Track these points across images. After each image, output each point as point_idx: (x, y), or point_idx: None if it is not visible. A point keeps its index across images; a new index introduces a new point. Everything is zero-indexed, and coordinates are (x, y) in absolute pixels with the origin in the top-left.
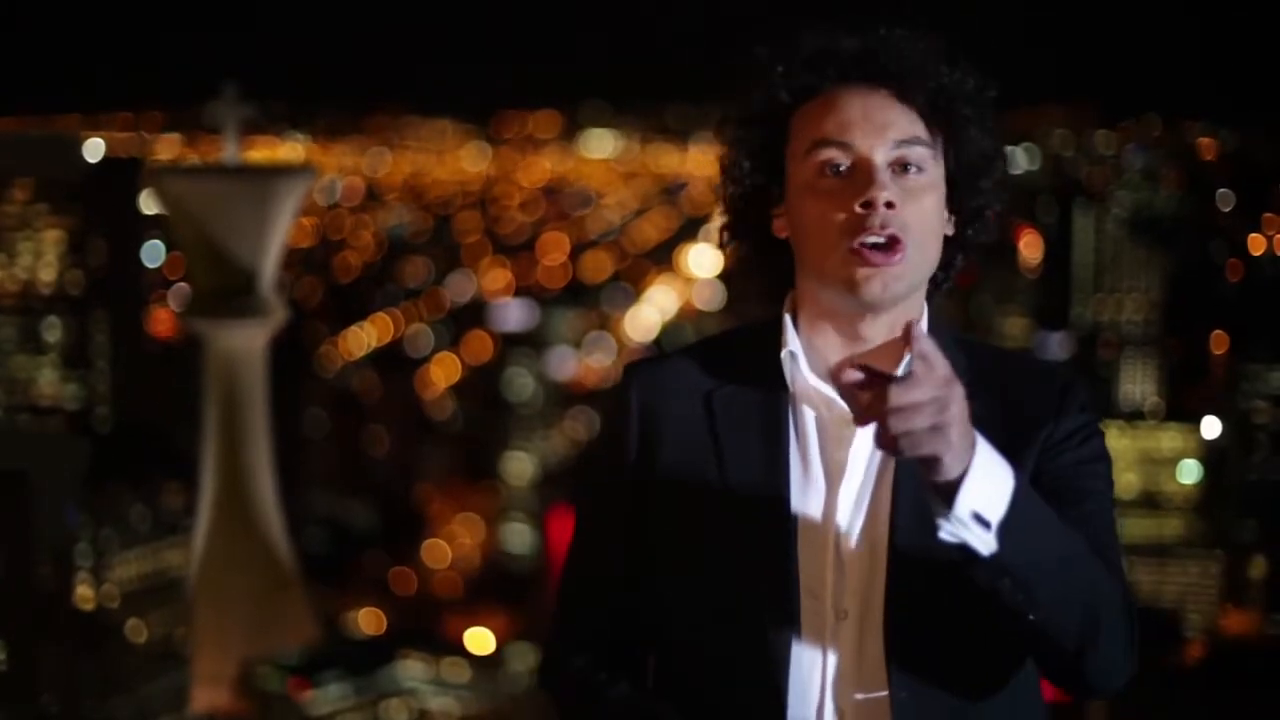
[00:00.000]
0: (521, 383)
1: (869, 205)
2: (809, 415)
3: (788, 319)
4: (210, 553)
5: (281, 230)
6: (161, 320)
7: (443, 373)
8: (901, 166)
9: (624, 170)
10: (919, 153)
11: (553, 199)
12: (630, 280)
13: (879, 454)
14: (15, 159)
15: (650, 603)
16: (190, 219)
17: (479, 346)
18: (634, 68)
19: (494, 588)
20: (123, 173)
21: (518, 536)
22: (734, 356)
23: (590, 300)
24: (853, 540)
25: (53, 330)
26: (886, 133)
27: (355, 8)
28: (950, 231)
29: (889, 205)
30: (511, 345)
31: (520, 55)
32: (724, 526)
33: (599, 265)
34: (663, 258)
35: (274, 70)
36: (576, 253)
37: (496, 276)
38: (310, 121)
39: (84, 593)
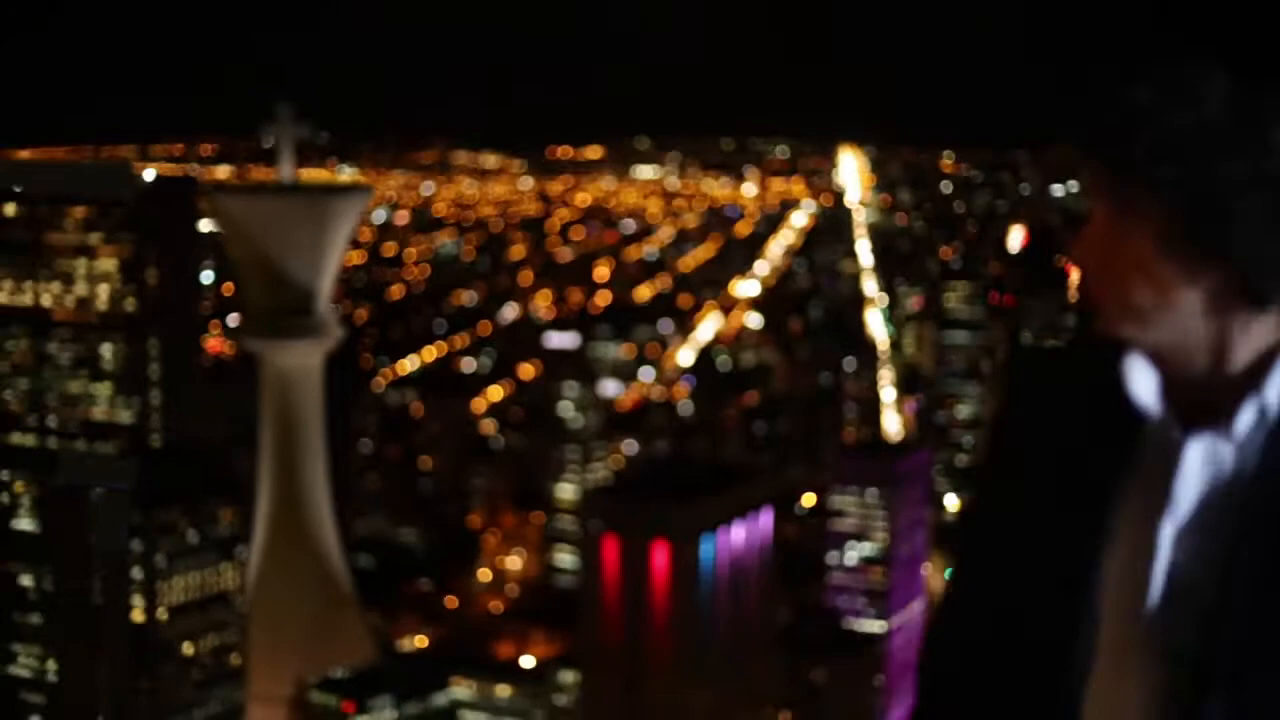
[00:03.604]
0: (570, 405)
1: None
2: (1159, 440)
3: (1129, 352)
4: (265, 572)
5: (339, 249)
6: (215, 341)
7: (492, 395)
8: None
9: (673, 198)
10: None
11: (602, 226)
12: (678, 305)
13: (1220, 482)
14: (72, 185)
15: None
16: (246, 238)
17: (529, 370)
18: (682, 101)
19: (541, 611)
20: (178, 192)
21: (565, 560)
22: (1091, 374)
23: (638, 324)
24: (1187, 573)
25: (108, 352)
26: None
27: (406, 44)
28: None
29: None
30: (561, 368)
31: (572, 90)
32: (1044, 550)
33: (648, 290)
34: (709, 283)
35: (326, 103)
36: (625, 278)
37: (546, 301)
38: (360, 152)
39: (137, 610)
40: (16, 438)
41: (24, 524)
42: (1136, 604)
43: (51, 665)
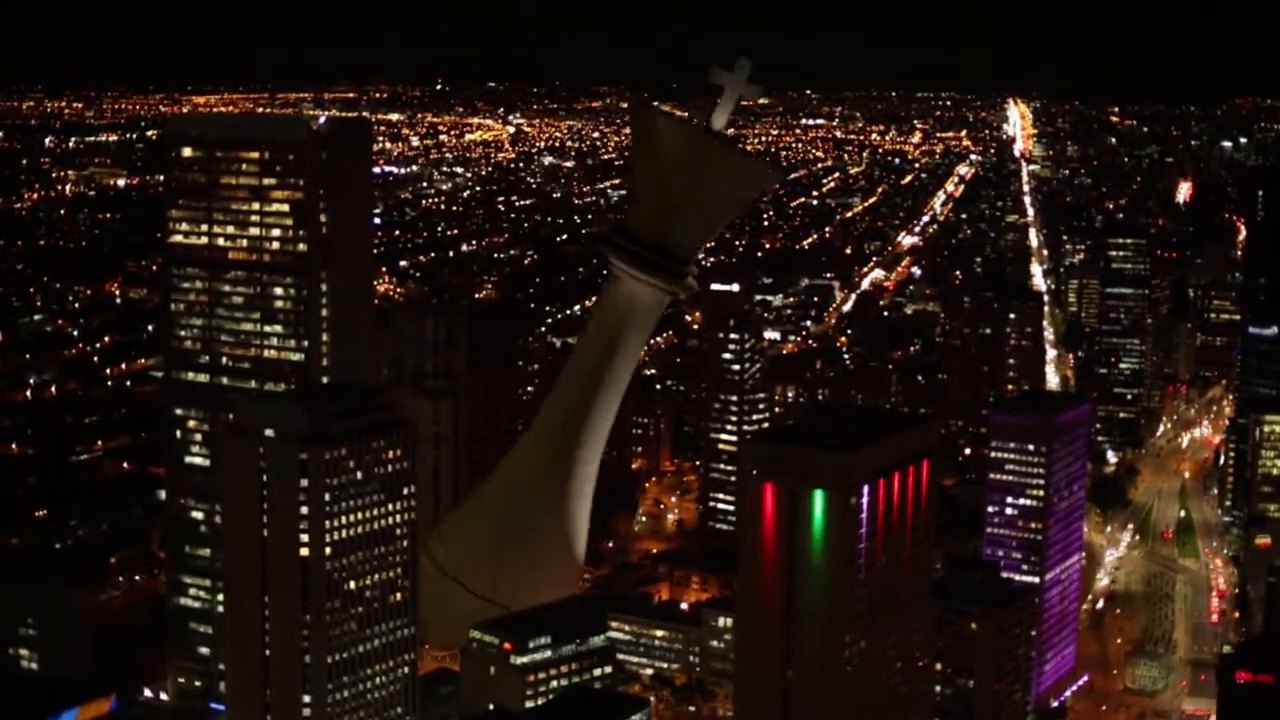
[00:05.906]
0: (735, 354)
1: None
2: None
3: None
4: (514, 490)
5: (735, 213)
6: (383, 283)
7: (657, 343)
8: None
9: (839, 147)
10: None
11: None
12: (842, 254)
13: None
14: (244, 131)
15: None
16: (665, 164)
17: (693, 318)
18: (850, 54)
19: (698, 555)
20: (352, 134)
21: (723, 506)
22: None
23: (801, 273)
24: None
25: (280, 292)
26: None
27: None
28: None
29: None
30: (725, 316)
31: (748, 47)
32: None
33: (812, 239)
34: (873, 232)
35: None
36: (790, 226)
37: (715, 249)
38: (529, 99)
39: (303, 546)
40: (190, 376)
41: (196, 460)
42: None
43: (220, 598)
